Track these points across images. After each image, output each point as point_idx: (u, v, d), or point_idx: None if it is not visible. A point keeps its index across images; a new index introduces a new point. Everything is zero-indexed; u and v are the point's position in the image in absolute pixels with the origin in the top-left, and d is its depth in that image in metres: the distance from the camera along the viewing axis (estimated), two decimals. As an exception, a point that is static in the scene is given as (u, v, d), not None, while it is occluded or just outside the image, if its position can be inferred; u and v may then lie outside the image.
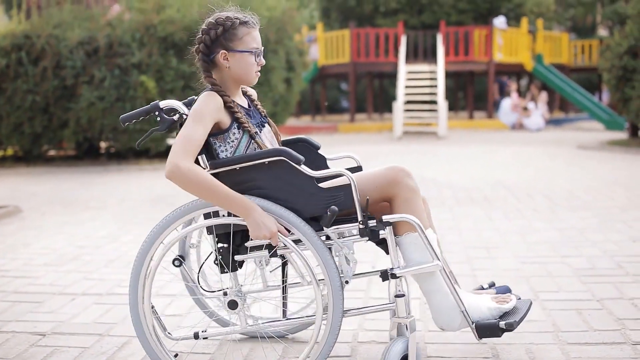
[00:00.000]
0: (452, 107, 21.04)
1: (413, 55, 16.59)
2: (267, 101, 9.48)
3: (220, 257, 2.22)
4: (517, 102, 15.94)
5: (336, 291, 2.13)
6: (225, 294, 2.24)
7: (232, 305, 2.23)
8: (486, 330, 2.20)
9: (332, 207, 2.09)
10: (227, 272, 2.22)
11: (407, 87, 15.18)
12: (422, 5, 18.51)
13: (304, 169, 2.13)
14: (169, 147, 9.74)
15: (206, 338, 2.31)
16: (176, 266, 2.37)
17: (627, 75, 10.12)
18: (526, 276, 3.42)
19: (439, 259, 2.21)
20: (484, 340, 2.50)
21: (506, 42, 16.64)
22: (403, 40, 15.78)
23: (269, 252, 2.19)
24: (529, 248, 4.02)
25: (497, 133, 14.46)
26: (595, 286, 3.22)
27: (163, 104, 2.31)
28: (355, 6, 18.92)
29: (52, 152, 10.03)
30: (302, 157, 2.12)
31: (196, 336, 2.28)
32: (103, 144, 9.82)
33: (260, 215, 2.09)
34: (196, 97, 2.29)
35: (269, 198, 2.15)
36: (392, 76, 18.49)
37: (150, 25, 8.91)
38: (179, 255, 2.39)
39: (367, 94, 18.67)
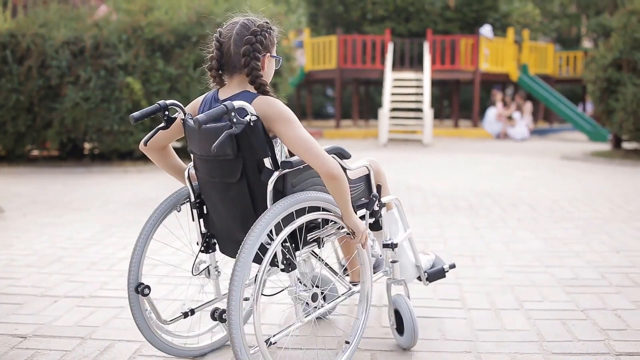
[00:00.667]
0: (438, 115, 21.14)
1: (399, 63, 16.65)
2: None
3: (287, 255, 2.22)
4: (502, 112, 16.04)
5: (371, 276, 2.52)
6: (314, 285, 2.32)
7: (314, 297, 2.27)
8: (435, 275, 2.85)
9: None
10: (290, 269, 2.21)
11: (393, 94, 15.22)
12: (409, 13, 18.59)
13: (345, 163, 2.41)
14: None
15: (275, 343, 2.20)
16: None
17: (611, 87, 10.22)
18: (511, 285, 3.43)
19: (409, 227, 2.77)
20: (469, 349, 2.56)
21: (492, 51, 16.75)
22: (390, 48, 15.84)
23: (318, 245, 2.35)
24: (513, 257, 4.04)
25: (482, 142, 14.54)
26: (579, 296, 3.24)
27: (169, 103, 2.30)
28: (342, 12, 18.96)
29: (35, 152, 9.93)
30: (350, 153, 2.43)
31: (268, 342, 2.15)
32: (87, 145, 9.74)
33: (356, 217, 2.32)
34: (196, 98, 2.44)
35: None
36: (378, 83, 18.55)
37: (138, 27, 8.87)
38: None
39: (353, 100, 18.71)
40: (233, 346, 2.03)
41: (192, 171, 2.43)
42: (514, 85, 18.78)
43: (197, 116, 2.07)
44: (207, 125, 2.15)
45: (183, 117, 2.32)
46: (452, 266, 2.89)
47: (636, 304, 3.12)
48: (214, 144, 2.03)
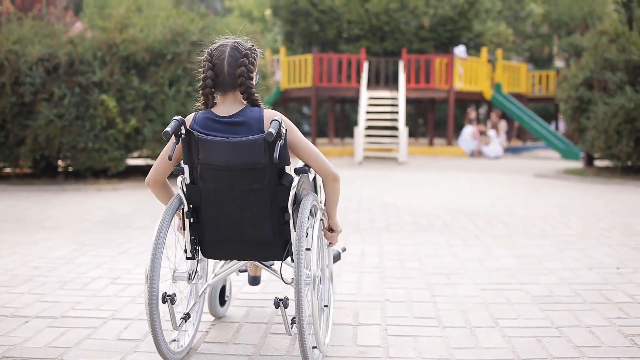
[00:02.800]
0: (413, 133, 21.29)
1: (375, 82, 16.77)
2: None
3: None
4: (477, 130, 16.20)
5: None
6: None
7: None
8: (337, 258, 3.24)
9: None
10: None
11: (368, 112, 15.31)
12: (384, 33, 18.76)
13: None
14: (128, 168, 9.63)
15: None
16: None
17: (582, 106, 10.38)
18: (485, 303, 3.45)
19: None
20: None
21: (466, 70, 16.94)
22: (365, 67, 15.95)
23: None
24: (488, 275, 4.06)
25: (457, 160, 14.65)
26: (554, 313, 3.26)
27: (180, 118, 2.47)
28: (318, 31, 19.07)
29: (7, 170, 9.79)
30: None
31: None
32: (61, 163, 9.62)
33: (337, 218, 2.83)
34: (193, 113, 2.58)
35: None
36: (354, 101, 18.64)
37: (113, 44, 8.82)
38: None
39: (329, 118, 18.78)
40: (299, 316, 2.35)
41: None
42: (488, 104, 18.99)
43: (269, 130, 2.35)
44: (239, 139, 2.43)
45: (190, 131, 2.47)
46: (344, 249, 3.39)
47: (610, 320, 3.15)
48: (275, 154, 2.37)
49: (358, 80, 16.22)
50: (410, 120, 22.04)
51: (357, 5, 18.45)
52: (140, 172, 9.78)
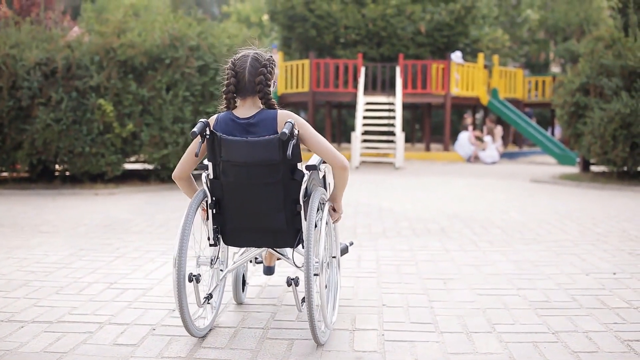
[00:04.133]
0: (409, 138, 21.30)
1: (372, 87, 16.79)
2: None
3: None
4: (473, 135, 16.23)
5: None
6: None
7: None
8: (344, 251, 3.57)
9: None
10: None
11: (365, 117, 15.33)
12: (381, 38, 18.79)
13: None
14: (125, 172, 9.63)
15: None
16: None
17: (579, 111, 10.41)
18: (482, 308, 3.45)
19: None
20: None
21: (463, 76, 16.98)
22: (362, 72, 15.97)
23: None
24: (484, 280, 4.06)
25: (453, 165, 14.67)
26: (551, 319, 3.26)
27: (205, 120, 2.80)
28: (315, 37, 19.10)
29: (4, 174, 9.78)
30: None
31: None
32: (58, 167, 9.61)
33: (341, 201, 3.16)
34: (217, 114, 2.94)
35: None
36: (351, 106, 18.66)
37: (110, 49, 8.83)
38: None
39: (326, 123, 18.77)
40: (308, 291, 2.67)
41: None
42: (485, 109, 19.02)
43: (282, 130, 2.69)
44: (256, 139, 2.77)
45: (214, 132, 2.81)
46: (351, 243, 3.70)
47: (606, 326, 3.15)
48: (288, 152, 2.70)
49: (355, 86, 16.24)
50: (407, 126, 22.06)
51: (354, 11, 18.49)
52: (137, 177, 9.77)
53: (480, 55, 17.71)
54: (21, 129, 8.70)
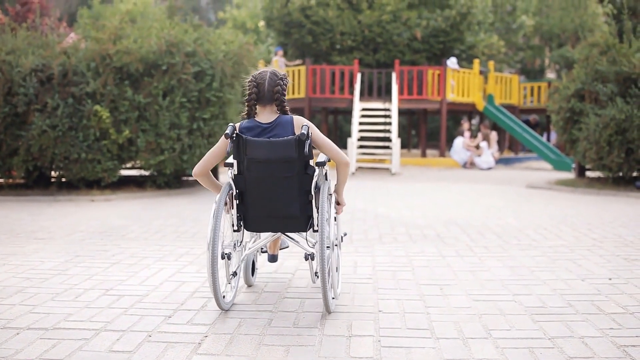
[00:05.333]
0: (405, 144, 21.33)
1: (368, 93, 16.81)
2: (222, 134, 9.43)
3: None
4: (469, 141, 16.26)
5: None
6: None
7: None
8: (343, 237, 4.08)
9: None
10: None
11: (361, 123, 15.35)
12: (377, 44, 18.84)
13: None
14: (121, 178, 9.62)
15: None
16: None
17: (574, 117, 10.44)
18: (478, 314, 3.45)
19: None
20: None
21: (459, 82, 17.02)
22: (358, 78, 16.00)
23: None
24: (481, 286, 4.06)
25: (449, 171, 14.69)
26: (547, 324, 3.26)
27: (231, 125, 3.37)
28: (311, 43, 19.14)
29: (0, 180, 9.77)
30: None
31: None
32: (54, 173, 9.59)
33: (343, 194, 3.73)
34: (240, 121, 3.51)
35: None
36: (347, 112, 18.68)
37: (106, 55, 8.83)
38: None
39: (322, 129, 18.78)
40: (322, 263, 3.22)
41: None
42: (480, 115, 19.06)
43: (302, 132, 3.30)
44: (276, 139, 3.32)
45: (240, 134, 3.35)
46: (345, 234, 4.06)
47: (602, 331, 3.16)
48: (305, 149, 3.32)
49: (351, 92, 16.27)
50: (403, 131, 22.10)
51: (350, 17, 18.54)
52: (134, 183, 9.76)
53: (476, 61, 17.76)
54: (17, 135, 8.69)
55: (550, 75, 27.86)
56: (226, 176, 3.47)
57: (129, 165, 9.93)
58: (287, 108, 3.46)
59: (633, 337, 3.08)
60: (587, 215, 7.24)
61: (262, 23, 24.98)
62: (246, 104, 3.44)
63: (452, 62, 17.40)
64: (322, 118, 18.77)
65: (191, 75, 8.92)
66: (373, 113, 15.64)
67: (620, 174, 10.07)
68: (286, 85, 3.45)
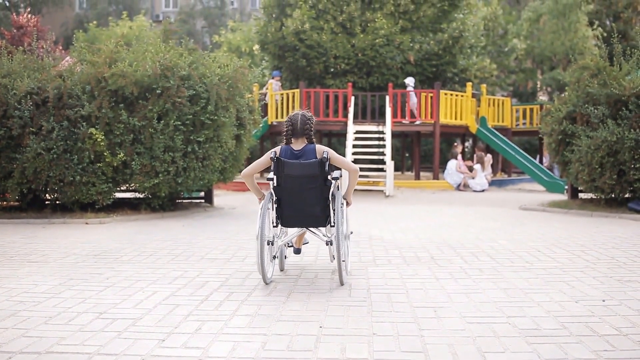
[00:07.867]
0: (399, 167, 21.38)
1: (361, 116, 16.89)
2: (216, 157, 9.46)
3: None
4: (462, 164, 16.32)
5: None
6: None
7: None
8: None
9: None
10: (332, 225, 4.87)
11: (355, 146, 15.41)
12: (370, 68, 18.97)
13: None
14: (115, 201, 9.61)
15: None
16: None
17: (566, 139, 10.51)
18: (472, 336, 3.46)
19: None
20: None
21: (452, 105, 17.12)
22: (352, 101, 16.08)
23: None
24: (475, 308, 4.07)
25: (443, 193, 14.72)
26: (541, 347, 3.27)
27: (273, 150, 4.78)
28: (305, 66, 19.27)
29: (-7, 203, 9.73)
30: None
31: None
32: (48, 196, 9.58)
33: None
34: (277, 149, 4.86)
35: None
36: (341, 135, 18.74)
37: (102, 78, 8.86)
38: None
39: (316, 151, 18.85)
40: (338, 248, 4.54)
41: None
42: (473, 138, 19.14)
43: (323, 156, 4.65)
44: (305, 161, 4.66)
45: (279, 158, 4.66)
46: (351, 232, 5.51)
47: (596, 353, 3.16)
48: (326, 168, 4.64)
49: (345, 115, 16.36)
50: (397, 154, 22.16)
51: (343, 41, 18.69)
52: (128, 206, 9.76)
53: (469, 85, 17.89)
54: (12, 158, 8.69)
55: (542, 97, 28.08)
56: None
57: (123, 187, 9.93)
58: (314, 140, 4.83)
59: (627, 359, 3.09)
60: (580, 237, 7.26)
61: (256, 47, 25.13)
62: (284, 136, 4.79)
63: (410, 80, 17.38)
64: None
65: (186, 98, 8.95)
66: (367, 136, 15.71)
67: (613, 195, 10.12)
68: (313, 124, 4.82)
